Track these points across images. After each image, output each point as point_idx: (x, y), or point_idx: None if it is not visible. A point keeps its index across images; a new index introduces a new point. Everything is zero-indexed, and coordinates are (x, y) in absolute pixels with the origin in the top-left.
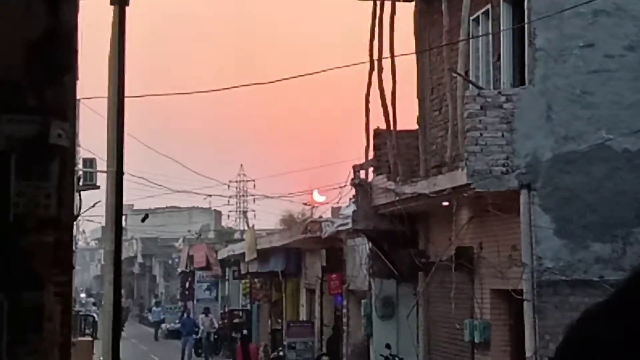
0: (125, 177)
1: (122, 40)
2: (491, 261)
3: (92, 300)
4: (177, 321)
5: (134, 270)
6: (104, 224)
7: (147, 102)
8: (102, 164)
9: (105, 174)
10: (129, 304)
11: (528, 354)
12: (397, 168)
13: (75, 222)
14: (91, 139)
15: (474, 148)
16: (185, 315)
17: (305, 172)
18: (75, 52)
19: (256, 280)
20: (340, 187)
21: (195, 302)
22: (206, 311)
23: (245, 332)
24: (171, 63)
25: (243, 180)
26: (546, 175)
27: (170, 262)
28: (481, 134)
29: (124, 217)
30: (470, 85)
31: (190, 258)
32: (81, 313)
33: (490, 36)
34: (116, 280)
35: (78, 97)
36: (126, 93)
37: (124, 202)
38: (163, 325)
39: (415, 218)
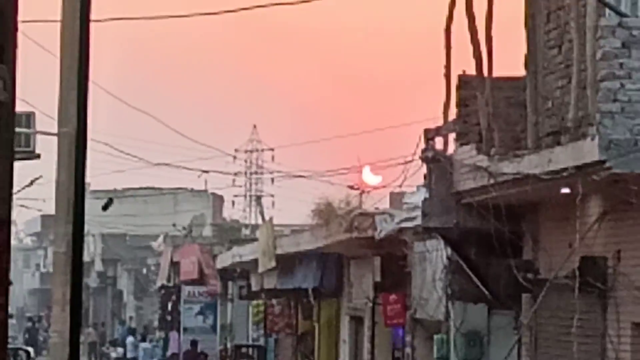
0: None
1: None
2: (634, 280)
3: (29, 325)
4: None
5: (89, 282)
6: (46, 212)
7: (114, 30)
8: (44, 122)
9: (52, 138)
10: (94, 336)
11: None
12: (492, 135)
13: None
14: (28, 81)
15: (611, 106)
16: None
17: (352, 139)
18: None
19: (274, 301)
20: (405, 163)
21: (181, 332)
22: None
23: None
24: None
25: (257, 150)
26: None
27: (144, 271)
28: (622, 85)
29: None
30: (607, 10)
31: (175, 266)
32: (10, 346)
33: None
34: (74, 298)
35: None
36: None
37: None
38: None
39: (519, 212)
